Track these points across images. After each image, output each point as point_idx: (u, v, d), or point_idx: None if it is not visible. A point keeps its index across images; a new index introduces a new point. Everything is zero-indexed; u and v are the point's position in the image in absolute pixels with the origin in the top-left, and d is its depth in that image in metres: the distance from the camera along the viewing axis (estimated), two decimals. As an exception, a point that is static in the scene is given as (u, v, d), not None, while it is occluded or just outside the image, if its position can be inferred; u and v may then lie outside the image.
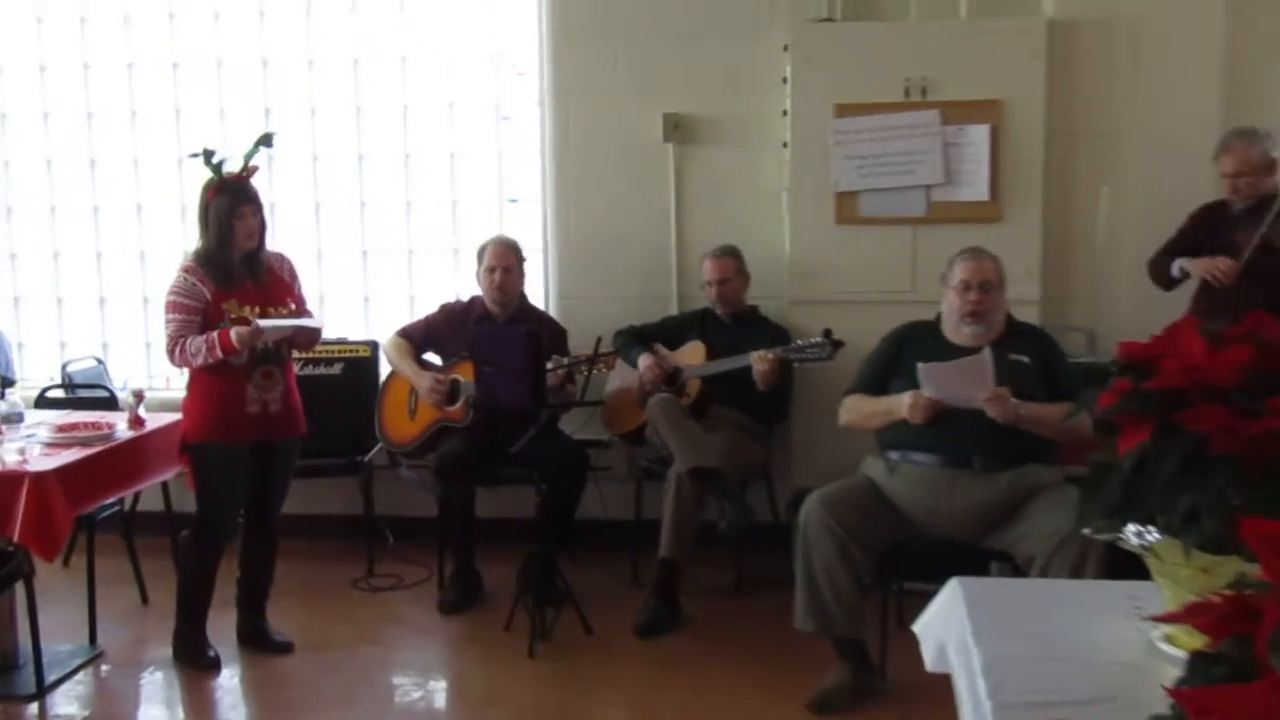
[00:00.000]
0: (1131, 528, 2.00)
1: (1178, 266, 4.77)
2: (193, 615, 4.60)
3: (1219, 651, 1.11)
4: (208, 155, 4.39)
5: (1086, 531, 2.12)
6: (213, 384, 4.42)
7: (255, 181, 4.46)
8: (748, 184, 5.70)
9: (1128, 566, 2.24)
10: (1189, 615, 1.16)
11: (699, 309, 5.51)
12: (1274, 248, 4.55)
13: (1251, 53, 5.28)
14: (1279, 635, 1.01)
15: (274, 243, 4.70)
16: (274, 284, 4.53)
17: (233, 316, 4.33)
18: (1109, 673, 2.02)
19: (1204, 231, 4.80)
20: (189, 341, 4.33)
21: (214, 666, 4.55)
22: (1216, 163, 4.74)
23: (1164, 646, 2.03)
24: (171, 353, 4.40)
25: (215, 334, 4.29)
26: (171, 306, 4.39)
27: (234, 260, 4.41)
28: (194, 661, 4.57)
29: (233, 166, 4.39)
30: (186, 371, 4.52)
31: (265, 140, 4.49)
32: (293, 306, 4.52)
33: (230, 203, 4.35)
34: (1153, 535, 1.98)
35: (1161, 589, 2.06)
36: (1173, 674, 1.25)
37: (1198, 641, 1.16)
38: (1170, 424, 1.88)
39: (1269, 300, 4.02)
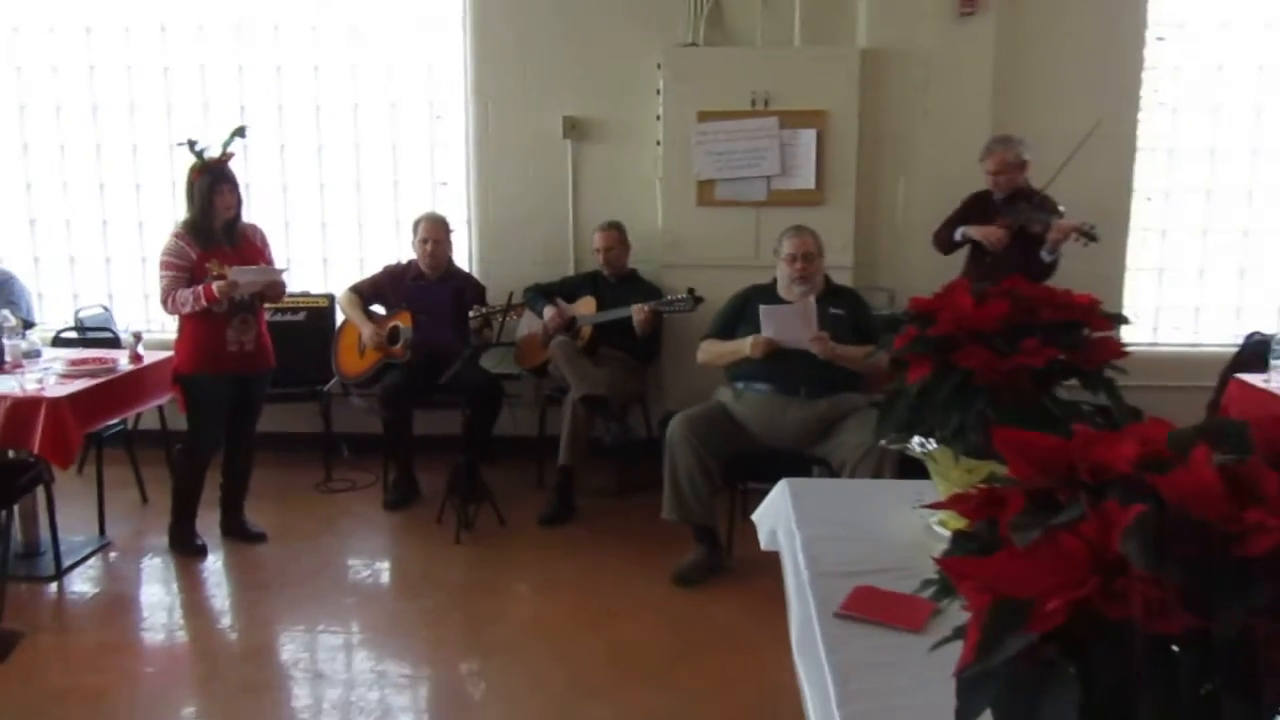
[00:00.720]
0: (916, 439, 2.04)
1: (961, 233, 4.84)
2: (184, 512, 4.52)
3: (974, 531, 1.13)
4: (192, 144, 4.29)
5: (883, 443, 2.15)
6: (199, 327, 4.34)
7: (233, 165, 4.34)
8: (629, 173, 5.66)
9: (914, 469, 2.28)
10: (954, 504, 1.17)
11: (591, 271, 5.47)
12: (1027, 231, 4.66)
13: (1013, 78, 5.37)
14: (1018, 518, 1.03)
15: (249, 215, 4.60)
16: (248, 248, 4.43)
17: (214, 273, 4.26)
18: (897, 549, 2.06)
19: (973, 213, 4.88)
20: (178, 293, 4.27)
21: (202, 553, 4.49)
22: (982, 162, 4.84)
23: (937, 528, 2.09)
24: (164, 302, 4.33)
25: (200, 287, 4.24)
26: (164, 265, 4.30)
27: (215, 228, 4.31)
28: (185, 549, 4.50)
29: (213, 153, 4.29)
30: (177, 317, 4.41)
31: (240, 132, 4.36)
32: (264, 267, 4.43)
33: (211, 182, 4.27)
34: (931, 445, 2.02)
35: (937, 485, 2.10)
36: (941, 548, 1.28)
37: (960, 524, 1.19)
38: (945, 361, 1.90)
39: (1021, 268, 4.12)
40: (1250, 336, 5.02)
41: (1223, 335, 5.64)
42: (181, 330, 4.42)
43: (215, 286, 4.20)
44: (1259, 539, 0.87)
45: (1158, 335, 5.78)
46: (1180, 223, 5.69)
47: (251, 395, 4.55)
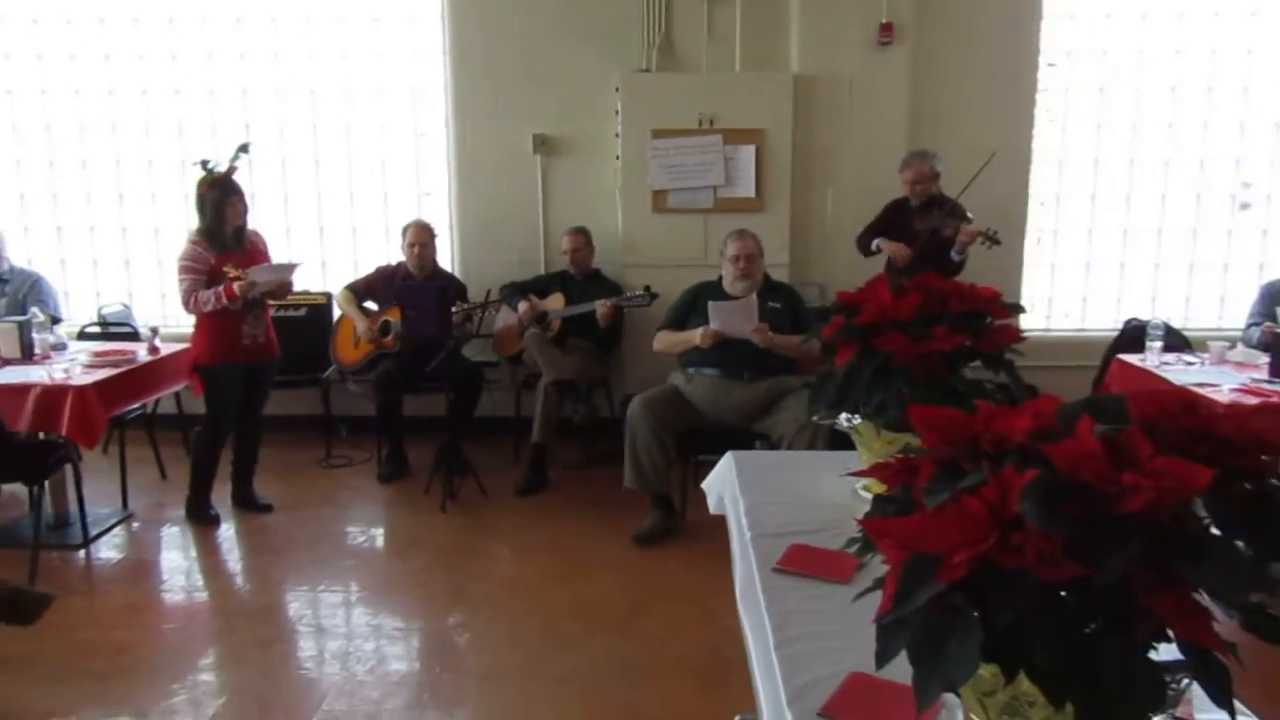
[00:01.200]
0: (844, 415, 2.06)
1: (876, 244, 4.88)
2: (201, 486, 4.47)
3: (892, 495, 1.14)
4: (204, 164, 4.25)
5: (815, 419, 2.17)
6: (218, 324, 4.30)
7: (238, 178, 4.28)
8: (592, 183, 5.62)
9: (842, 441, 2.30)
10: (876, 472, 1.18)
11: (559, 270, 5.43)
12: (939, 234, 4.69)
13: (926, 99, 5.40)
14: (929, 484, 1.04)
15: (254, 223, 4.52)
16: (254, 251, 4.39)
17: (231, 275, 4.22)
18: (827, 511, 2.07)
19: (893, 219, 4.91)
20: (200, 294, 4.22)
21: (215, 522, 4.44)
22: (901, 173, 4.86)
23: (862, 493, 2.10)
24: (186, 303, 4.27)
25: (221, 288, 4.20)
26: (184, 269, 4.24)
27: (226, 235, 4.27)
28: (201, 519, 4.44)
29: (220, 167, 4.23)
30: (195, 315, 4.34)
31: (244, 149, 4.31)
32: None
33: (221, 194, 4.22)
34: (857, 420, 2.04)
35: (861, 455, 2.12)
36: (865, 510, 1.28)
37: (881, 489, 1.19)
38: (868, 346, 1.92)
39: (935, 266, 4.15)
40: (1129, 322, 5.10)
41: (1105, 321, 5.72)
42: (200, 327, 4.36)
43: (236, 286, 4.16)
44: (1134, 498, 0.88)
45: (1050, 322, 5.85)
46: (1069, 224, 5.77)
47: (260, 382, 4.51)
